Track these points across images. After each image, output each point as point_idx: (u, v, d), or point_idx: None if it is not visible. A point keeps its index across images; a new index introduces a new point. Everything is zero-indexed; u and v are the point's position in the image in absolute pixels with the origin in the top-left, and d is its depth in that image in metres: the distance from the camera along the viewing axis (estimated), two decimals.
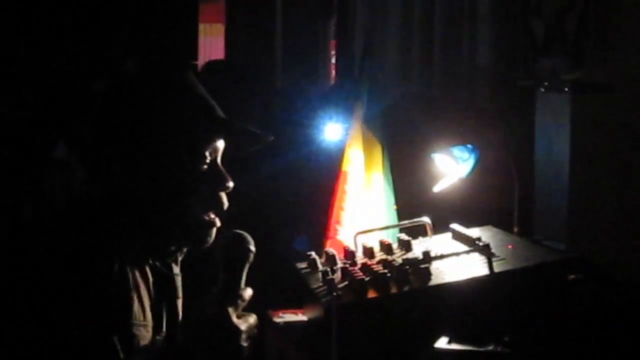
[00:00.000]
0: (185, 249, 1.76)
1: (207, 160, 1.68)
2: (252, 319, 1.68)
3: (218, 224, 1.72)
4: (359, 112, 2.90)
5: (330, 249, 2.45)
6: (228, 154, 1.76)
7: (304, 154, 3.36)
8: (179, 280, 1.78)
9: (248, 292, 1.68)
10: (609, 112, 2.97)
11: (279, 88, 4.78)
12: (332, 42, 4.93)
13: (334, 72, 4.92)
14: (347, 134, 2.94)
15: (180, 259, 1.79)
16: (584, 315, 2.07)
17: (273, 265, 2.68)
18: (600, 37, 2.96)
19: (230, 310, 1.63)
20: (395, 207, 2.87)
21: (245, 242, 1.71)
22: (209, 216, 1.70)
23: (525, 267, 2.11)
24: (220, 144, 1.72)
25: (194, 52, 5.55)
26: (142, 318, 1.64)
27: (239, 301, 1.66)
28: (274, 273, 2.63)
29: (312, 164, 3.40)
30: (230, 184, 1.71)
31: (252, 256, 1.71)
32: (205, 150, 1.68)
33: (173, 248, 1.73)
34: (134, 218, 1.65)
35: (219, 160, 1.72)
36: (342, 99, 3.65)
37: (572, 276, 2.13)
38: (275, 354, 2.51)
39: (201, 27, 5.69)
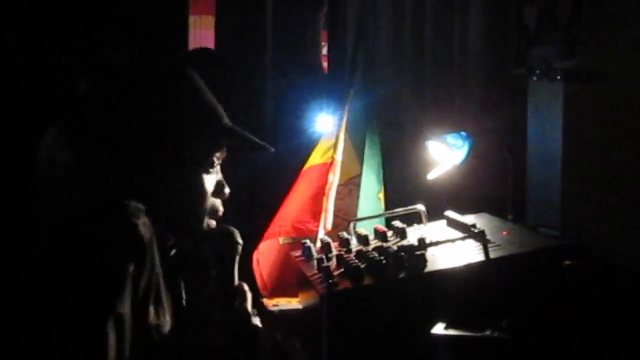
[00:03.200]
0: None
1: (214, 168, 1.70)
2: (256, 313, 1.70)
3: (213, 226, 1.73)
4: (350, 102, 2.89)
5: (325, 236, 2.45)
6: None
7: (296, 145, 3.35)
8: (180, 272, 1.75)
9: (246, 287, 1.69)
10: (601, 99, 2.98)
11: (270, 79, 4.76)
12: (323, 33, 4.91)
13: (325, 63, 4.90)
14: (339, 124, 2.93)
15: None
16: (580, 300, 2.07)
17: None
18: (592, 26, 2.96)
19: (250, 309, 1.66)
20: (380, 195, 2.86)
21: (233, 236, 1.71)
22: (207, 221, 1.71)
23: (521, 253, 2.10)
24: (223, 152, 1.73)
25: (184, 45, 5.51)
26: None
27: (249, 296, 1.68)
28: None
29: (303, 155, 3.39)
30: (228, 191, 1.72)
31: (240, 249, 1.71)
32: (212, 157, 1.69)
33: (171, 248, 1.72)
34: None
35: (218, 168, 1.73)
36: (334, 89, 3.64)
37: (568, 262, 2.13)
38: (269, 342, 2.50)
39: (191, 19, 5.65)
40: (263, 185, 3.37)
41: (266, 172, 3.40)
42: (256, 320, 1.68)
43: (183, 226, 1.67)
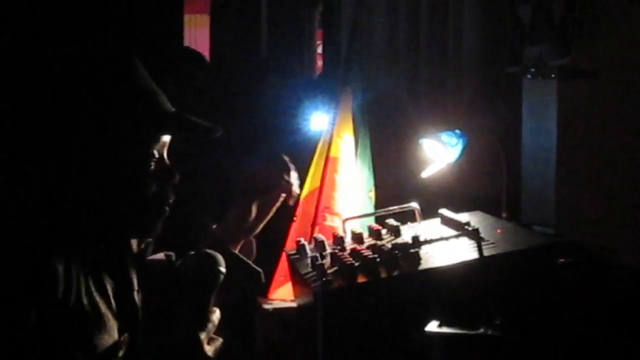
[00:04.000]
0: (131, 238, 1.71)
1: (155, 158, 1.60)
2: (219, 342, 1.64)
3: (165, 214, 1.64)
4: (348, 99, 2.89)
5: (319, 234, 2.45)
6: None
7: (291, 143, 3.35)
8: (133, 272, 1.70)
9: (216, 315, 1.64)
10: (595, 98, 2.98)
11: (265, 77, 4.76)
12: (318, 32, 4.93)
13: (320, 61, 4.91)
14: (334, 121, 2.93)
15: (134, 248, 1.72)
16: (574, 298, 2.08)
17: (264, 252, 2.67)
18: (586, 24, 2.96)
19: (202, 336, 1.60)
20: (370, 193, 2.86)
21: (214, 264, 1.65)
22: (155, 208, 1.62)
23: (515, 250, 2.10)
24: (167, 138, 1.63)
25: (179, 44, 5.51)
26: (102, 322, 1.55)
27: (210, 325, 1.62)
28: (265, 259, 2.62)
29: (298, 153, 3.39)
30: (177, 179, 1.63)
31: (222, 277, 1.65)
32: (153, 148, 1.60)
33: (119, 240, 1.66)
34: (77, 217, 1.55)
35: (165, 154, 1.64)
36: (328, 88, 3.65)
37: (562, 260, 2.14)
38: (264, 340, 2.50)
39: (186, 18, 5.66)
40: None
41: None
42: (209, 350, 1.60)
43: (121, 214, 1.59)
